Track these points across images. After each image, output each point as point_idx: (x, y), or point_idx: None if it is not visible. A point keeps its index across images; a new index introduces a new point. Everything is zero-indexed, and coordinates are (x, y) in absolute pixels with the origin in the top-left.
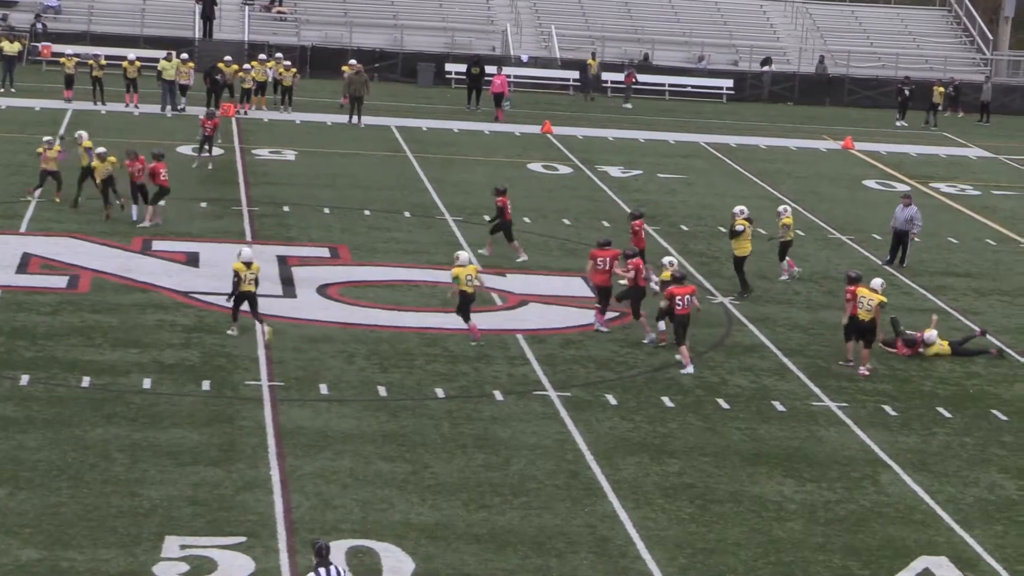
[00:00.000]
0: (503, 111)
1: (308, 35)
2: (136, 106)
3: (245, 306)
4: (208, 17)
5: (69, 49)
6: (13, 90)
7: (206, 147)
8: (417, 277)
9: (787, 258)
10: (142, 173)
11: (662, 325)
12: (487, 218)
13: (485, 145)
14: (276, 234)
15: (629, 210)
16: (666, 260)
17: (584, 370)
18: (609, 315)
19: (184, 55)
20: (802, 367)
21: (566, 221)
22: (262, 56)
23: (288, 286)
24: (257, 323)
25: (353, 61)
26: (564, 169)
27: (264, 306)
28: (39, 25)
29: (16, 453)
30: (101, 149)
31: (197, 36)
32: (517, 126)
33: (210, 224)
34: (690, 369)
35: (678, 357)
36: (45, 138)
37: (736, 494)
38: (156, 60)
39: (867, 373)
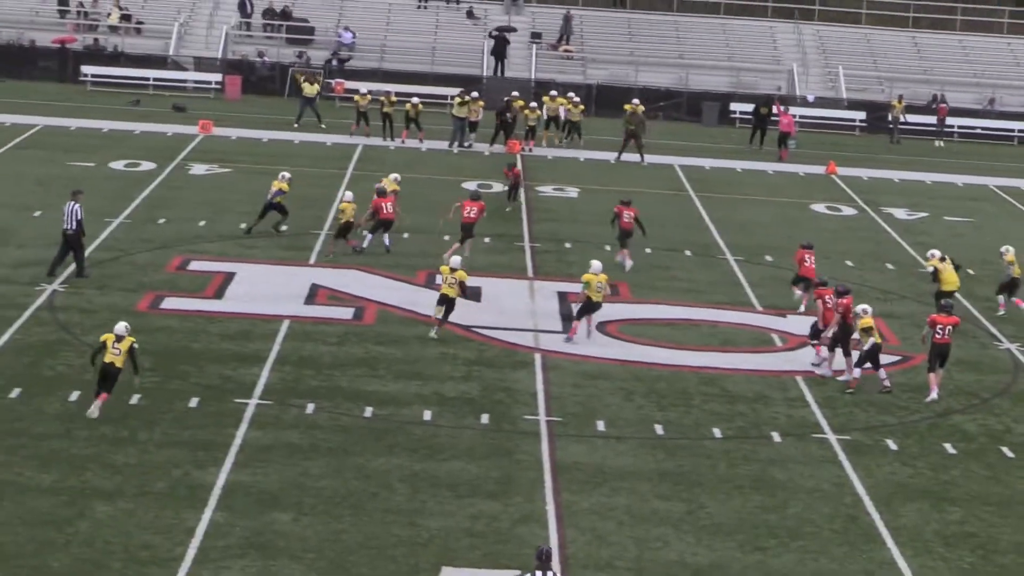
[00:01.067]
0: (787, 151)
1: (594, 74)
2: (420, 141)
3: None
4: (500, 55)
5: (363, 87)
6: (296, 126)
7: (514, 194)
8: (696, 316)
9: (1015, 297)
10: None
11: (857, 372)
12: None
13: (769, 185)
14: (557, 270)
15: (925, 256)
16: (860, 308)
17: (864, 414)
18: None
19: (475, 93)
20: None
21: (849, 263)
22: (553, 92)
23: (568, 322)
24: (439, 323)
25: (553, 92)
26: (848, 210)
27: (544, 341)
28: (335, 62)
29: (301, 480)
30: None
31: (485, 74)
32: (801, 166)
33: (493, 259)
34: (935, 396)
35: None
36: (393, 176)
37: (1020, 545)
38: (444, 97)
39: None
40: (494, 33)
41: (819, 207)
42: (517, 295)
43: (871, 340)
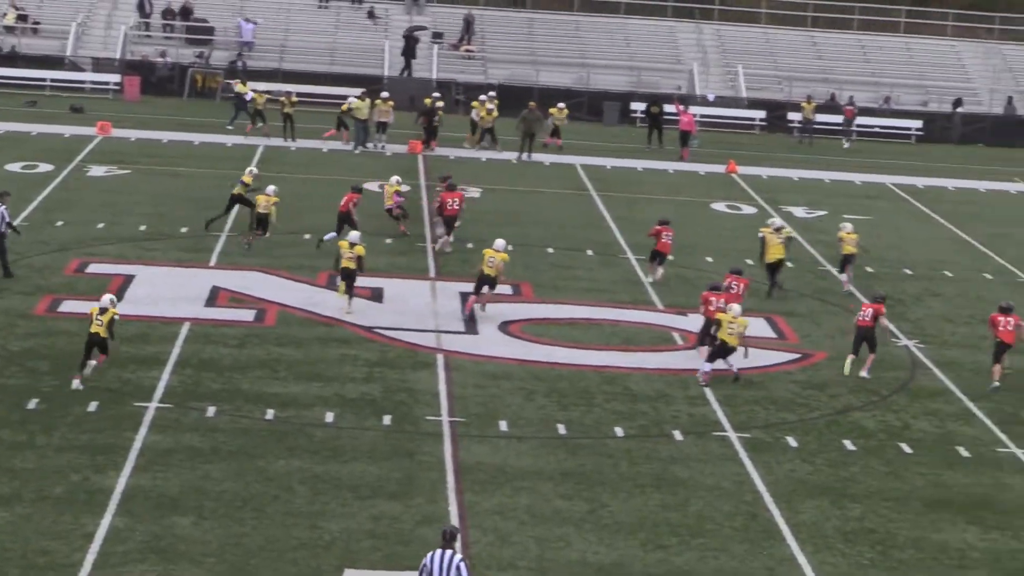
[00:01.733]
0: (689, 150)
1: (495, 73)
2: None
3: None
4: (410, 55)
5: (262, 86)
6: (230, 127)
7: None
8: (598, 315)
9: (846, 273)
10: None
11: (708, 367)
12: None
13: (669, 184)
14: (460, 270)
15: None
16: (727, 305)
17: (764, 411)
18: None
19: (385, 93)
20: (988, 412)
21: (749, 261)
22: (482, 96)
23: (470, 323)
24: (348, 298)
25: (482, 97)
26: (748, 209)
27: (447, 342)
28: (240, 63)
29: (201, 483)
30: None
31: (387, 74)
32: (701, 165)
33: (395, 260)
34: (865, 373)
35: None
36: (394, 178)
37: (918, 540)
38: (344, 98)
39: None
40: (406, 33)
41: (719, 206)
42: (419, 296)
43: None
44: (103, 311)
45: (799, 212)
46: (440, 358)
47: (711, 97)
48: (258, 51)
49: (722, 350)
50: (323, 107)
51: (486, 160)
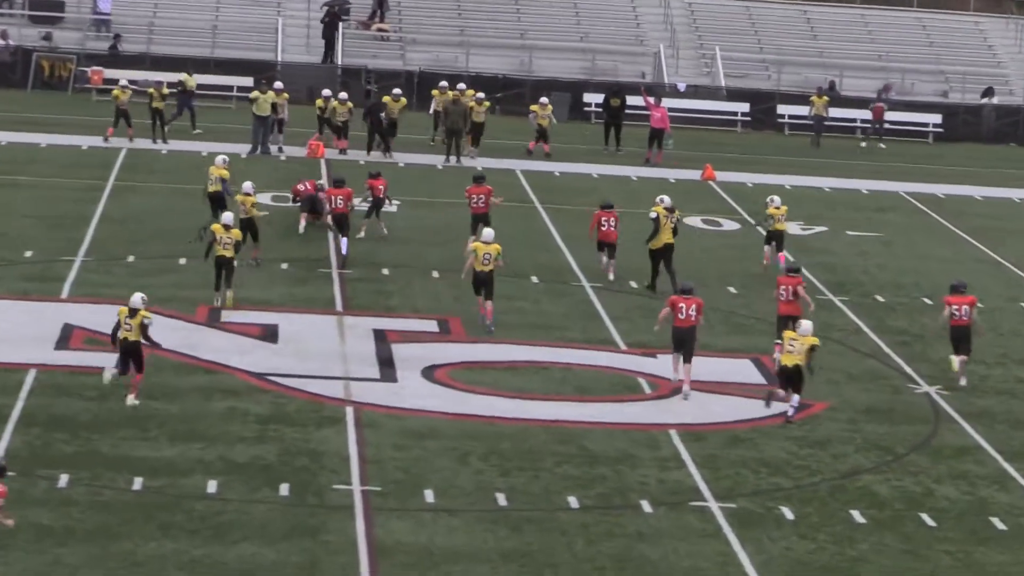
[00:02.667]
0: (662, 152)
1: (415, 58)
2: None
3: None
4: (331, 40)
5: (124, 77)
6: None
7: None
8: (546, 358)
9: (782, 252)
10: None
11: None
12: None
13: (632, 194)
14: (373, 303)
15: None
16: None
17: (753, 475)
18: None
19: (278, 84)
20: None
21: (732, 289)
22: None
23: (387, 368)
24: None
25: (443, 84)
26: (729, 224)
27: (360, 390)
28: (118, 46)
29: (51, 571)
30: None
31: (280, 59)
32: (671, 171)
33: (293, 290)
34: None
35: None
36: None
37: None
38: (229, 88)
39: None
40: (330, 7)
41: (694, 220)
42: (323, 334)
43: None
44: (132, 312)
45: (792, 228)
46: (350, 412)
47: (681, 87)
48: (119, 31)
49: (793, 376)
50: (204, 100)
51: (403, 165)
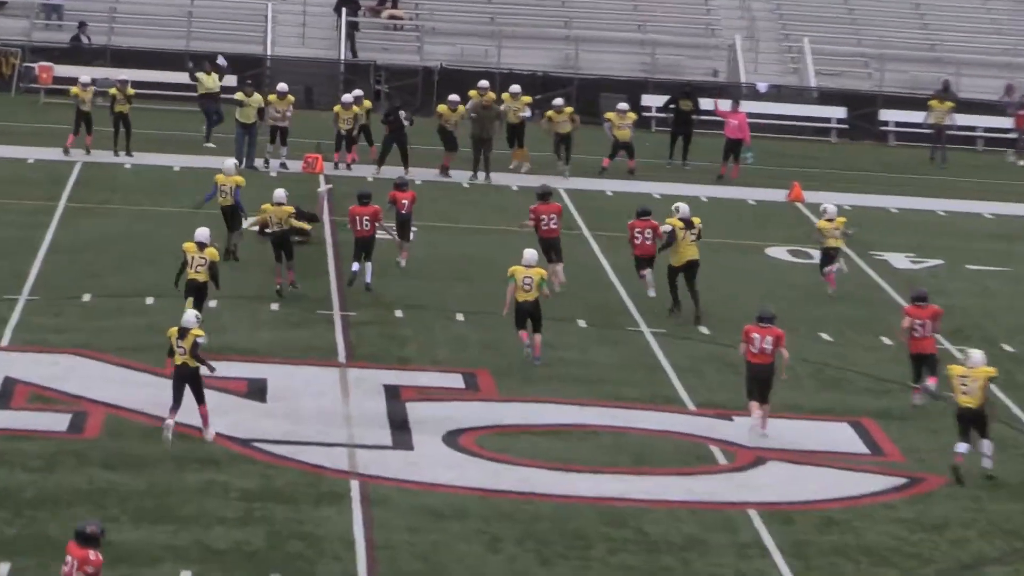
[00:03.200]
0: (738, 166)
1: (435, 51)
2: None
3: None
4: (350, 28)
5: (83, 75)
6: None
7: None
8: (595, 420)
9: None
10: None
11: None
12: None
13: (702, 218)
14: (384, 352)
15: None
16: None
17: (853, 566)
18: None
19: (282, 86)
20: None
21: (825, 336)
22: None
23: (401, 432)
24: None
25: (483, 84)
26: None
27: (368, 460)
28: (84, 38)
29: None
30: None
31: (270, 53)
32: (751, 190)
33: (285, 335)
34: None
35: None
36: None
37: None
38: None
39: None
40: None
41: (778, 251)
42: (322, 391)
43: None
44: (183, 333)
45: (900, 262)
46: (355, 486)
47: (762, 87)
48: (78, 19)
49: (976, 420)
50: (175, 103)
51: (421, 183)
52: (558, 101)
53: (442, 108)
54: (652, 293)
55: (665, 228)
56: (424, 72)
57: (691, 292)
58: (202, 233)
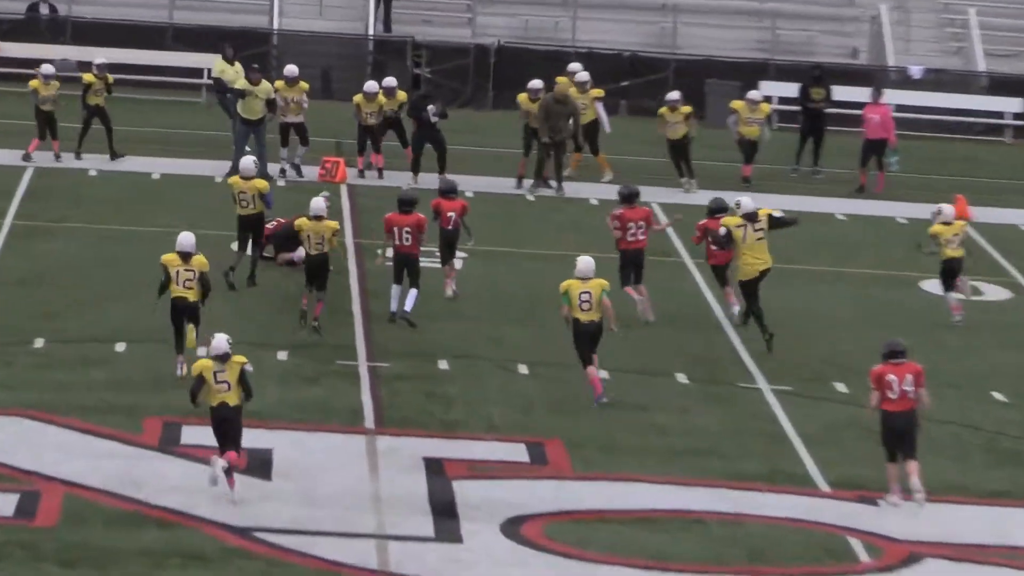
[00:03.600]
0: (883, 173)
1: (491, 25)
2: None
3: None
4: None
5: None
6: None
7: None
8: (699, 504)
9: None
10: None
11: None
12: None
13: (836, 240)
14: (424, 416)
15: None
16: None
17: None
18: None
19: (292, 69)
20: None
21: (998, 396)
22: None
23: (446, 518)
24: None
25: (575, 67)
26: (994, 291)
27: (403, 555)
28: (45, 7)
29: None
30: None
31: (276, 27)
32: (899, 204)
33: (296, 393)
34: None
35: None
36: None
37: None
38: (199, 73)
39: None
40: None
41: (937, 285)
42: (344, 465)
43: None
44: (222, 359)
45: None
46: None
47: (916, 72)
48: None
49: None
50: (160, 91)
51: (473, 195)
52: (673, 95)
53: (523, 99)
54: (646, 314)
55: (720, 231)
56: (477, 51)
57: (752, 310)
58: (186, 240)
